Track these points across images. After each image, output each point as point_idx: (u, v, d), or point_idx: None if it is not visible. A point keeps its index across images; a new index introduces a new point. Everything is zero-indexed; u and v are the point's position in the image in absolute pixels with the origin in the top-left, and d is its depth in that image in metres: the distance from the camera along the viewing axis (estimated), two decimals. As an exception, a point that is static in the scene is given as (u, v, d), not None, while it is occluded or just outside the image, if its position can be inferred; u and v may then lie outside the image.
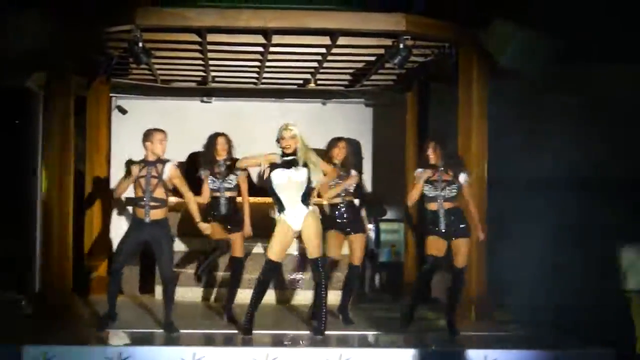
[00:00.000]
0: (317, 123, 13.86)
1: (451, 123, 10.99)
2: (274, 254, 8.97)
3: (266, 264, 9.00)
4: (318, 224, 9.02)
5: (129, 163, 9.46)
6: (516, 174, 11.88)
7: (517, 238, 11.15)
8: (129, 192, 9.49)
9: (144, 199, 9.02)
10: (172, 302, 9.20)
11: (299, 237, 9.18)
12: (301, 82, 13.37)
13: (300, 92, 14.00)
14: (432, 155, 9.43)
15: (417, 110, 12.91)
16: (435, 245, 9.28)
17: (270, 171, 8.91)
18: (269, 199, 9.22)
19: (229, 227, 10.05)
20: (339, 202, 9.94)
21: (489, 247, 10.38)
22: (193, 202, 9.30)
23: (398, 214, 13.92)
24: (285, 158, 8.92)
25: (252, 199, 10.59)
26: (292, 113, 13.97)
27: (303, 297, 11.61)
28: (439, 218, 9.31)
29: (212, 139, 10.24)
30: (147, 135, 9.16)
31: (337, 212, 9.98)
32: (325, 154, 9.87)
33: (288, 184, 8.87)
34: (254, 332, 9.02)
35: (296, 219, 8.91)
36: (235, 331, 9.20)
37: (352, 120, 14.40)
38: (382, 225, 13.68)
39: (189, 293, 11.66)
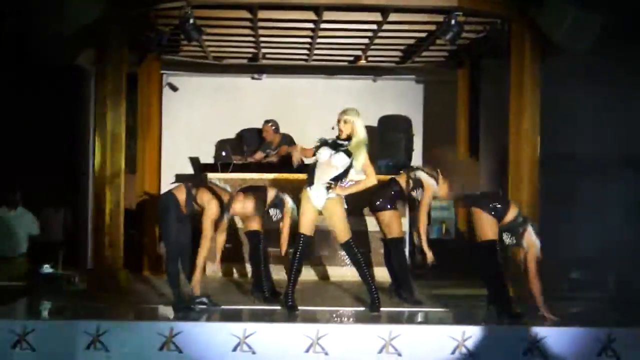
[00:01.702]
0: (368, 100, 13.86)
1: (503, 100, 10.90)
2: (303, 227, 9.02)
3: (298, 238, 9.03)
4: (339, 208, 8.99)
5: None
6: (573, 150, 11.75)
7: (579, 214, 11.03)
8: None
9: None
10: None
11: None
12: (352, 58, 13.33)
13: (351, 69, 13.96)
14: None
15: (469, 87, 12.88)
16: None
17: (321, 146, 8.92)
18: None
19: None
20: None
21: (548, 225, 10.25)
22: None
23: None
24: (338, 140, 8.91)
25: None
26: (342, 90, 14.05)
27: (348, 272, 11.55)
28: None
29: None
30: None
31: None
32: None
33: (327, 162, 8.87)
34: (300, 308, 9.04)
35: (318, 198, 8.93)
36: (279, 307, 9.21)
37: (402, 97, 14.38)
38: (432, 203, 13.59)
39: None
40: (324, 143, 8.97)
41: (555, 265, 9.74)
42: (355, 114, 8.93)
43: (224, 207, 9.03)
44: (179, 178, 13.39)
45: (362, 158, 8.87)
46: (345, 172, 8.93)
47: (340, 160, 8.85)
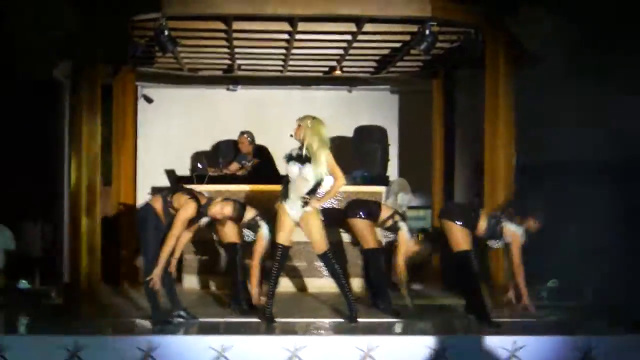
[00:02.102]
0: (343, 111, 13.88)
1: (478, 110, 10.91)
2: (281, 238, 9.01)
3: (276, 249, 9.02)
4: (316, 219, 8.95)
5: None
6: (547, 159, 11.78)
7: (556, 222, 11.06)
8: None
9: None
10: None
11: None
12: (327, 69, 13.33)
13: (326, 80, 13.96)
14: None
15: (444, 97, 12.87)
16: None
17: (289, 160, 8.88)
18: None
19: None
20: None
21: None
22: None
23: (425, 201, 13.86)
24: (298, 151, 8.88)
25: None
26: (317, 101, 14.03)
27: (324, 284, 11.52)
28: None
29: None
30: None
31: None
32: None
33: (298, 177, 8.84)
34: (278, 320, 9.00)
35: (293, 210, 8.91)
36: (257, 320, 9.16)
37: (377, 108, 14.40)
38: (408, 213, 13.61)
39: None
40: (290, 158, 8.91)
41: (532, 273, 9.78)
42: (308, 118, 8.89)
43: (201, 208, 8.97)
44: (155, 190, 13.31)
45: (322, 161, 8.75)
46: (318, 183, 8.91)
47: (310, 173, 8.82)
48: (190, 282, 11.65)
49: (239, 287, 9.75)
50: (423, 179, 13.17)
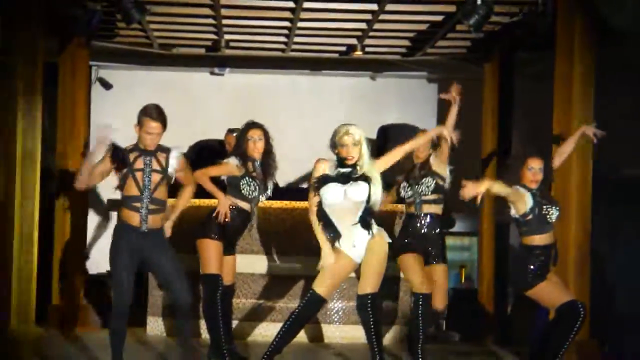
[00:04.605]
0: (365, 103, 13.84)
1: (543, 104, 10.94)
2: (323, 287, 8.86)
3: (310, 297, 8.88)
4: (384, 252, 8.89)
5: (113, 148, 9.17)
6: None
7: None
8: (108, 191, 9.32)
9: (143, 200, 8.85)
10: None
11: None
12: (344, 49, 13.35)
13: (342, 63, 14.05)
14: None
15: (498, 86, 12.84)
16: None
17: (320, 186, 8.78)
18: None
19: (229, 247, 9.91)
20: None
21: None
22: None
23: (470, 226, 13.78)
24: (342, 169, 8.77)
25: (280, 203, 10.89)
26: (330, 90, 14.02)
27: (339, 333, 11.56)
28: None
29: (244, 131, 10.01)
30: (139, 121, 8.97)
31: None
32: None
33: (344, 202, 8.74)
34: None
35: (356, 249, 8.80)
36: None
37: (410, 100, 14.53)
38: (449, 240, 13.53)
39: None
40: (326, 180, 8.80)
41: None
42: (358, 130, 8.78)
43: None
44: (112, 203, 13.21)
45: (378, 176, 8.78)
46: (369, 202, 8.81)
47: (361, 193, 8.73)
48: (157, 326, 11.60)
49: (219, 334, 9.69)
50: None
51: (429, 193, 9.83)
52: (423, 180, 9.86)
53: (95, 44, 12.88)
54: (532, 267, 8.91)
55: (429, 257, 9.85)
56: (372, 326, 8.91)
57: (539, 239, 8.97)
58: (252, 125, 9.96)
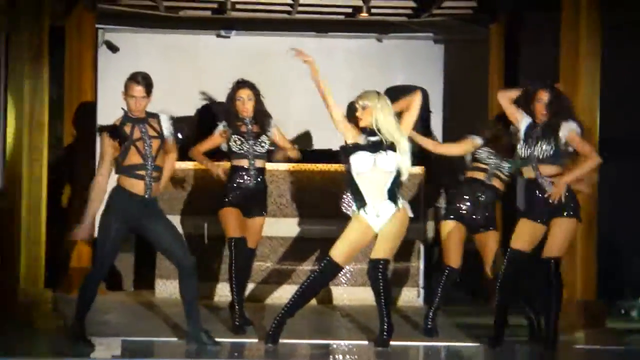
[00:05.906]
0: (371, 66, 13.85)
1: (551, 66, 10.86)
2: (340, 255, 8.92)
3: (326, 265, 8.94)
4: (405, 224, 8.97)
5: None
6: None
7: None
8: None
9: (147, 167, 8.86)
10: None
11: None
12: (350, 10, 13.33)
13: (349, 25, 13.99)
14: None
15: (505, 48, 12.82)
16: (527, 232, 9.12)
17: (350, 153, 8.83)
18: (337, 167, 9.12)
19: (249, 210, 9.95)
20: None
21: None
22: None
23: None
24: (371, 138, 8.80)
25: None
26: (337, 52, 14.02)
27: (347, 295, 11.65)
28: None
29: (233, 91, 10.05)
30: (125, 86, 8.99)
31: None
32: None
33: (373, 172, 8.77)
34: (290, 341, 9.01)
35: (379, 219, 8.86)
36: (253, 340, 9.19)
37: (416, 62, 14.42)
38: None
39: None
40: (356, 147, 8.85)
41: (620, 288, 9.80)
42: (375, 98, 8.86)
43: None
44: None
45: (407, 148, 8.84)
46: (400, 174, 8.93)
47: (390, 163, 8.81)
48: (165, 289, 11.63)
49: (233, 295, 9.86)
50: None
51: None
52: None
53: (102, 7, 12.89)
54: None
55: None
56: (382, 292, 8.96)
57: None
58: (241, 84, 10.01)
